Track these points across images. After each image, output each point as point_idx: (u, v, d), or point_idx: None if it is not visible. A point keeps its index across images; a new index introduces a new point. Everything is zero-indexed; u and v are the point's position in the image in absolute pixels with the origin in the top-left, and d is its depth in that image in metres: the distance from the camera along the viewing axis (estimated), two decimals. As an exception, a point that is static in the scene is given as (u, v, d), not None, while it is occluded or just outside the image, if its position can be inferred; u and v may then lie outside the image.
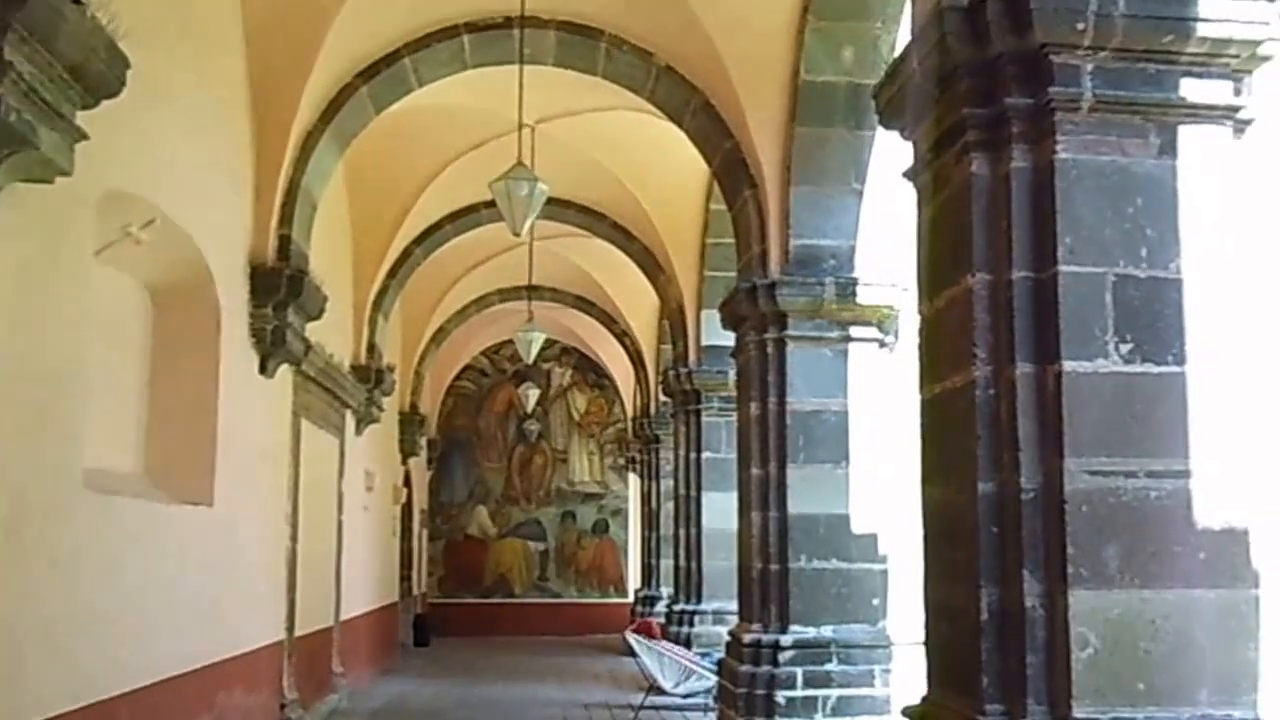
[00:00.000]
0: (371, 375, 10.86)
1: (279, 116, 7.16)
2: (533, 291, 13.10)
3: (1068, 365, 3.59)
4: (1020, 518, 3.59)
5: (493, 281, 14.07)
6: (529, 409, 17.97)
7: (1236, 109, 3.73)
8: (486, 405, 19.02)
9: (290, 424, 8.25)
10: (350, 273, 10.57)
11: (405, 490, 14.99)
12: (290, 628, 8.04)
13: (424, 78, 7.98)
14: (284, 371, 7.74)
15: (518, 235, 7.91)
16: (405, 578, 15.42)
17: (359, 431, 11.04)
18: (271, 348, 7.21)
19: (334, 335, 9.59)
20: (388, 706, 10.37)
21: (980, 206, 3.77)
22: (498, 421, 19.00)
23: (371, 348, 10.91)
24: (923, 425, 4.18)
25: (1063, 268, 3.61)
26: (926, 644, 4.14)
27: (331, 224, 9.27)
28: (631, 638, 9.92)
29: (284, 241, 7.28)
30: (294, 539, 8.17)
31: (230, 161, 6.82)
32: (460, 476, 18.89)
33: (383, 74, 7.81)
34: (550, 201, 11.07)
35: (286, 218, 7.33)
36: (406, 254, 11.11)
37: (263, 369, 7.27)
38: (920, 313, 4.25)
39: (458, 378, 18.92)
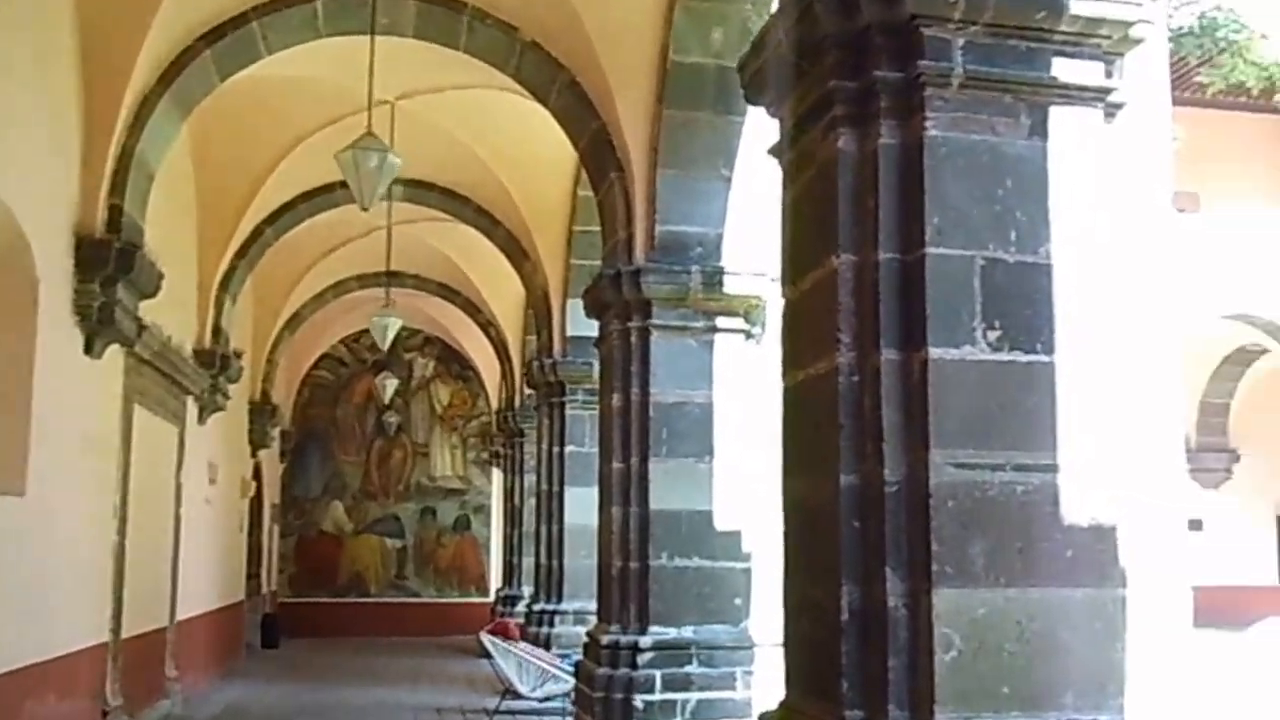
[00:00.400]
0: (216, 360, 10.28)
1: (111, 77, 6.64)
2: (393, 278, 12.60)
3: (934, 352, 3.43)
4: (883, 512, 3.44)
5: (352, 266, 13.51)
6: (387, 400, 17.36)
7: (1108, 91, 3.64)
8: (345, 396, 18.35)
9: (120, 410, 7.68)
10: (194, 251, 9.97)
11: (254, 484, 14.34)
12: (116, 629, 7.48)
13: (274, 44, 7.51)
14: (114, 353, 7.19)
15: (366, 210, 7.51)
16: (253, 576, 14.75)
17: (202, 420, 10.45)
18: (99, 326, 6.67)
19: (175, 316, 9.02)
20: (225, 713, 9.82)
21: (846, 184, 3.60)
22: (356, 413, 18.34)
23: (217, 331, 10.33)
24: (784, 415, 4.00)
25: (930, 250, 3.45)
26: (786, 646, 3.96)
27: (173, 197, 8.71)
28: (486, 639, 9.58)
29: (114, 212, 6.74)
30: (122, 533, 7.61)
31: (53, 122, 6.27)
32: (315, 470, 18.18)
33: (228, 38, 7.32)
34: (412, 184, 10.71)
35: (118, 187, 6.79)
36: (257, 233, 10.55)
37: (88, 349, 6.73)
38: (783, 296, 4.07)
39: (314, 367, 18.18)
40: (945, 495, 3.40)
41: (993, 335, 3.49)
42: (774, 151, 4.13)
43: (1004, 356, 3.49)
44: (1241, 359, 22.50)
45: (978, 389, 3.47)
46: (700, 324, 6.75)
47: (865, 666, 3.45)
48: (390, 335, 11.66)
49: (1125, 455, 3.73)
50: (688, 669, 6.48)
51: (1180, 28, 13.49)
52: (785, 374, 3.99)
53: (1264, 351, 21.28)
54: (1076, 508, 3.49)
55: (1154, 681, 4.09)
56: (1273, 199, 20.96)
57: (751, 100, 4.35)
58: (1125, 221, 4.09)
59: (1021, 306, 3.53)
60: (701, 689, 6.45)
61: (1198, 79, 15.85)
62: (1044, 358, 3.52)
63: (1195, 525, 22.26)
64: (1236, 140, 22.06)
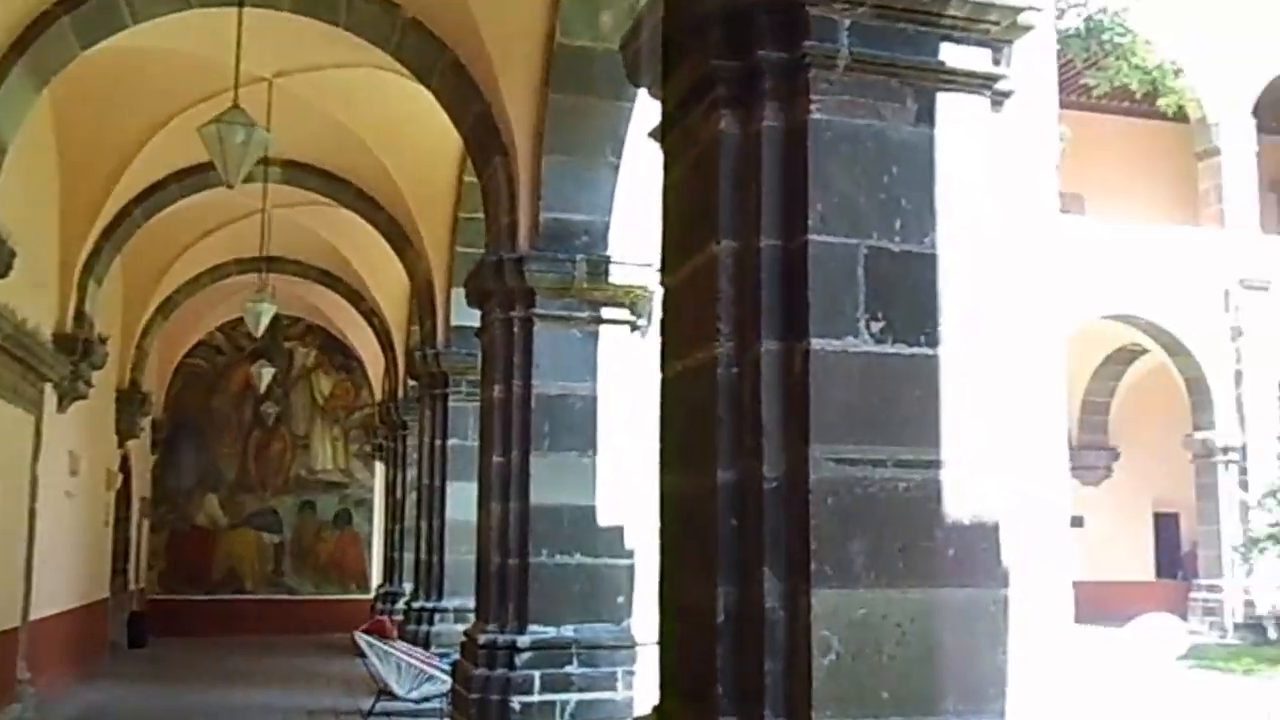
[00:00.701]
0: (79, 346, 9.75)
1: (-45, 41, 6.18)
2: (272, 263, 12.14)
3: (816, 343, 3.30)
4: (761, 510, 3.30)
5: (230, 250, 12.97)
6: (263, 389, 16.75)
7: (995, 78, 3.55)
8: (221, 385, 17.67)
9: (-36, 397, 7.20)
10: (56, 230, 9.43)
11: (121, 476, 13.70)
12: (-41, 630, 7.01)
13: (139, 13, 7.10)
14: (-44, 337, 6.71)
15: (231, 187, 7.17)
16: (120, 572, 14.11)
17: (62, 408, 9.90)
18: (-63, 307, 6.21)
19: (32, 299, 8.51)
20: (81, 717, 9.31)
21: (728, 168, 3.45)
22: (233, 403, 17.68)
23: (80, 315, 9.79)
24: (663, 407, 3.84)
25: (813, 237, 3.32)
26: (660, 647, 3.81)
27: (31, 172, 8.21)
28: (361, 638, 9.26)
29: (-43, 185, 6.29)
30: (-35, 528, 7.12)
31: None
32: (189, 462, 17.48)
33: (89, 3, 6.90)
34: (290, 166, 10.30)
35: (-36, 158, 6.34)
36: (125, 213, 10.03)
37: (-75, 331, 6.27)
38: (662, 284, 3.91)
39: (189, 354, 17.48)
40: (825, 492, 3.27)
41: (876, 326, 3.38)
42: (655, 134, 3.97)
43: (887, 349, 3.38)
44: (1122, 359, 23.19)
45: (860, 382, 3.35)
46: (585, 314, 6.56)
47: (741, 670, 3.32)
48: (264, 321, 11.22)
49: (1009, 452, 3.66)
50: (568, 669, 6.29)
51: (1067, 30, 13.75)
52: (664, 365, 3.84)
53: (1144, 351, 21.94)
54: (959, 505, 3.40)
55: (1036, 682, 4.03)
56: (1154, 202, 21.63)
57: (633, 80, 4.19)
58: (1012, 213, 4.02)
59: (906, 297, 3.42)
60: (582, 689, 6.26)
61: (1084, 81, 16.22)
62: (928, 350, 3.42)
63: (1077, 522, 22.87)
64: (1120, 144, 22.70)
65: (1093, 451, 23.20)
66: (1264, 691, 13.47)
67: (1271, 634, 19.21)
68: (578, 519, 6.43)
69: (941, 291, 3.44)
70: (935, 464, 3.37)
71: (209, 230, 12.13)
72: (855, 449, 3.30)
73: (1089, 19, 13.69)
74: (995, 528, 3.42)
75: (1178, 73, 13.18)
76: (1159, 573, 24.01)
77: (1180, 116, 20.32)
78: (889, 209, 3.41)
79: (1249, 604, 19.58)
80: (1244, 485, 19.47)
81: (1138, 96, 17.99)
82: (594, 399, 6.53)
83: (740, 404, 3.37)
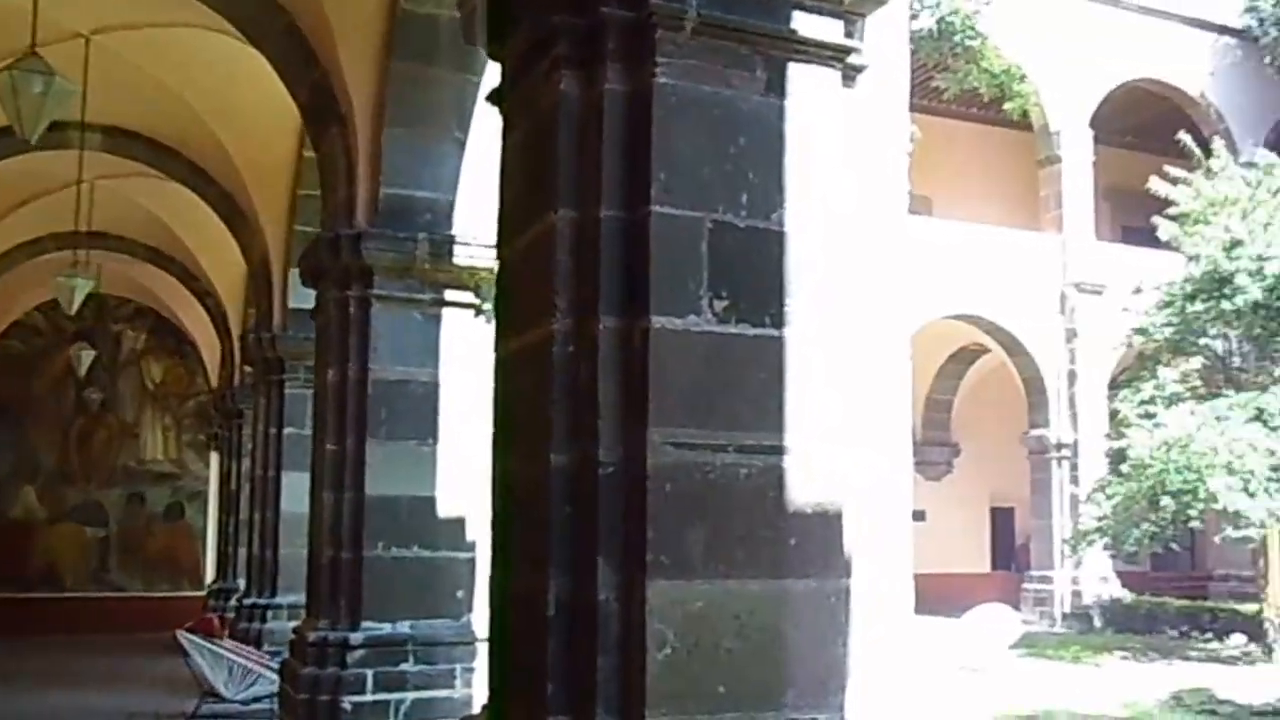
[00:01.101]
0: None
1: None
2: (95, 239, 11.38)
3: (656, 321, 3.13)
4: (596, 496, 3.11)
5: (47, 224, 12.09)
6: (83, 373, 15.74)
7: (847, 50, 3.43)
8: (40, 369, 16.55)
9: None
10: None
11: (-74, 466, 12.72)
12: None
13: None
14: None
15: (30, 142, 6.60)
16: (-78, 569, 13.10)
17: None
18: None
19: None
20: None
21: (568, 133, 3.26)
22: (53, 389, 16.60)
23: (-127, 292, 8.98)
24: (497, 388, 3.63)
25: (655, 208, 3.14)
26: (491, 642, 3.59)
27: None
28: (184, 637, 8.75)
29: None
30: None
31: None
32: (3, 450, 16.36)
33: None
34: (113, 132, 9.65)
35: None
36: (-78, 180, 9.24)
37: None
38: (499, 257, 3.69)
39: (4, 336, 16.34)
40: (663, 478, 3.11)
41: (720, 305, 3.22)
42: (493, 98, 3.75)
43: (731, 329, 3.23)
44: (965, 358, 23.89)
45: (702, 363, 3.19)
46: (427, 296, 6.26)
47: (573, 666, 3.13)
48: (78, 298, 10.48)
49: (854, 440, 3.56)
50: (403, 667, 5.99)
51: (920, 30, 13.99)
52: (498, 343, 3.62)
53: (985, 351, 22.64)
54: (802, 493, 3.27)
55: (876, 673, 3.96)
56: (998, 206, 22.31)
57: (469, 39, 3.96)
58: (864, 194, 3.92)
59: (751, 275, 3.28)
60: (418, 688, 5.98)
61: (934, 83, 16.56)
62: (773, 331, 3.28)
63: (919, 516, 23.47)
64: (968, 149, 23.37)
65: (935, 448, 23.84)
66: (1087, 677, 14.01)
67: (1097, 622, 20.04)
68: (416, 510, 6.13)
69: (789, 271, 3.31)
70: (779, 450, 3.24)
71: (22, 201, 11.28)
72: (696, 433, 3.15)
73: (941, 20, 13.96)
74: (838, 517, 3.31)
75: (1023, 79, 13.55)
76: (995, 565, 24.86)
77: (1024, 124, 21.02)
78: (735, 182, 3.27)
79: (1077, 594, 20.40)
80: (1075, 481, 20.26)
81: (985, 101, 18.50)
82: (435, 385, 6.25)
83: (576, 384, 3.18)
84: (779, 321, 3.28)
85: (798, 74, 3.35)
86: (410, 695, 5.95)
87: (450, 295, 6.31)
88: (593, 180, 3.18)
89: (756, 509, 3.20)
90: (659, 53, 3.15)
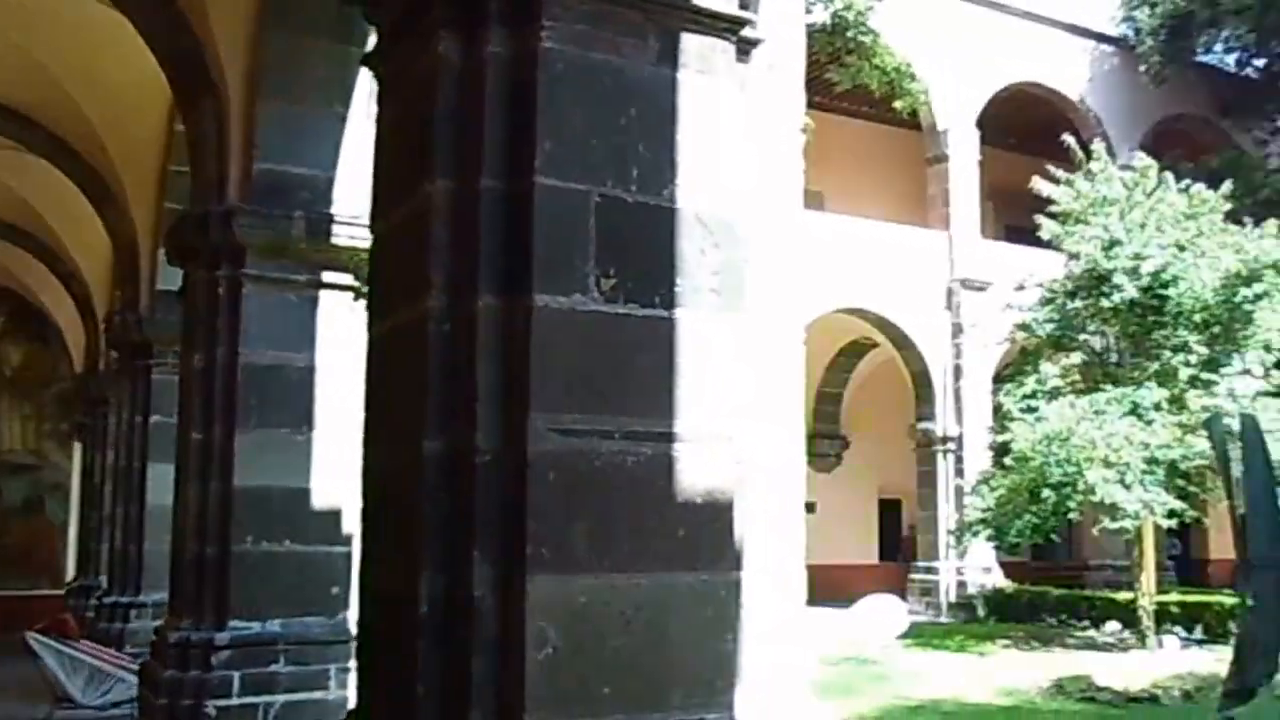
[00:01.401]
0: None
1: None
2: (-56, 215, 10.71)
3: (540, 300, 2.95)
4: (474, 486, 2.92)
5: (-109, 196, 11.36)
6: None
7: (742, 23, 3.29)
8: (-119, 353, 15.67)
9: None
10: None
11: None
12: None
13: None
14: None
15: None
16: None
17: None
18: None
19: None
20: None
21: (447, 98, 3.06)
22: (-103, 374, 15.71)
23: None
24: (369, 371, 3.40)
25: (540, 180, 2.96)
26: (360, 642, 3.37)
27: None
28: (33, 639, 8.24)
29: None
30: None
31: None
32: None
33: None
34: (-33, 101, 9.06)
35: None
36: None
37: None
38: (374, 232, 3.46)
39: None
40: (546, 466, 2.93)
41: (607, 284, 3.06)
42: (369, 61, 3.51)
43: (619, 309, 3.06)
44: (855, 352, 24.17)
45: (588, 345, 3.03)
46: (303, 277, 5.95)
47: (447, 667, 2.94)
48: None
49: (746, 428, 3.43)
50: (273, 668, 5.68)
51: (814, 24, 14.03)
52: (371, 323, 3.40)
53: (875, 345, 22.93)
54: (692, 483, 3.12)
55: (769, 668, 3.83)
56: (888, 202, 22.61)
57: (346, 0, 3.69)
58: (759, 173, 3.78)
59: (641, 254, 3.12)
60: (289, 690, 5.68)
61: (827, 76, 16.65)
62: (663, 313, 3.13)
63: (809, 508, 23.68)
64: (860, 146, 23.64)
65: (825, 440, 24.09)
66: (972, 666, 14.25)
67: (981, 612, 20.45)
68: (289, 502, 5.82)
69: (681, 250, 3.16)
70: (668, 438, 3.09)
71: None
72: (581, 419, 2.97)
73: (835, 14, 14.02)
74: (729, 507, 3.17)
75: (912, 77, 13.73)
76: (883, 556, 25.24)
77: (914, 123, 21.31)
78: (626, 155, 3.10)
79: (961, 584, 20.81)
80: (960, 473, 20.64)
81: (877, 98, 18.69)
82: (311, 370, 5.93)
83: (453, 366, 2.98)
84: (670, 302, 3.13)
85: (691, 44, 3.20)
86: (280, 698, 5.64)
87: (328, 277, 6.01)
88: (473, 149, 2.98)
89: (644, 499, 3.05)
90: (545, 15, 2.97)
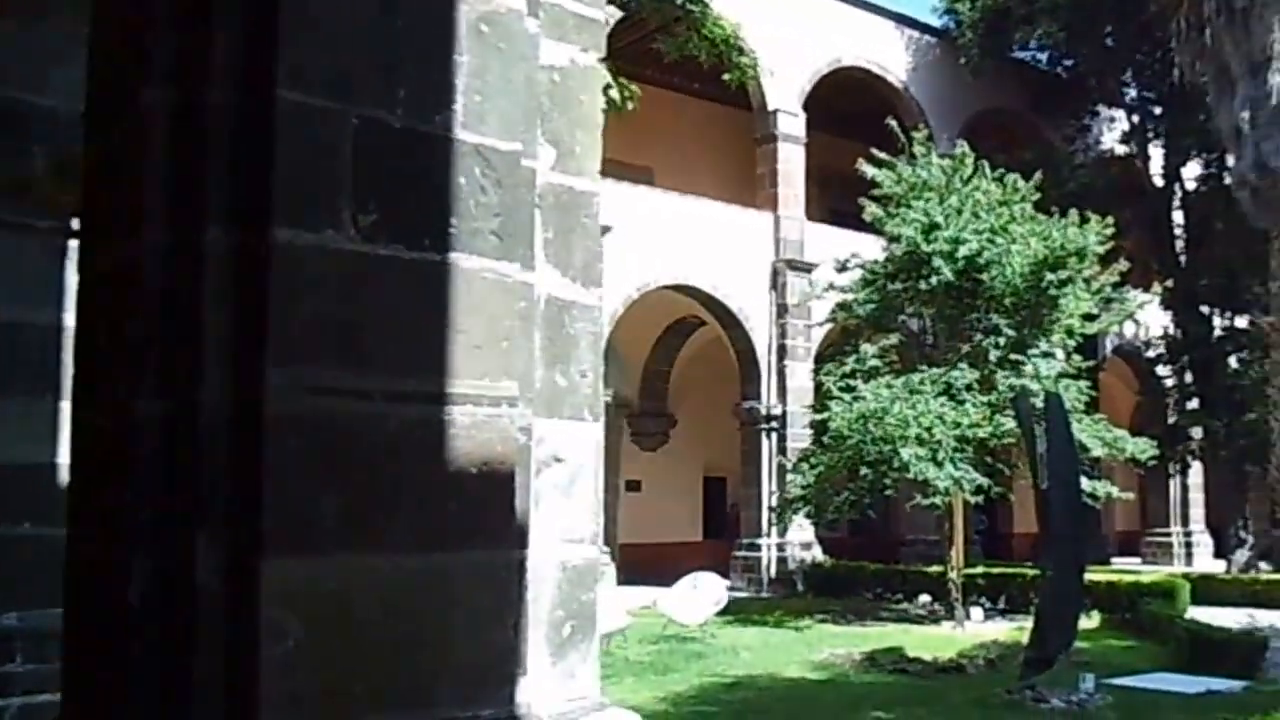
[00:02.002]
0: None
1: None
2: None
3: (282, 235, 2.49)
4: (199, 453, 2.46)
5: None
6: None
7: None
8: None
9: None
10: None
11: None
12: None
13: None
14: None
15: None
16: None
17: None
18: None
19: None
20: None
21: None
22: None
23: None
24: (79, 320, 2.87)
25: (284, 93, 2.51)
26: (65, 638, 2.85)
27: None
28: None
29: None
30: None
31: None
32: None
33: None
34: None
35: None
36: None
37: None
38: (85, 155, 2.92)
39: None
40: (289, 430, 2.48)
41: (366, 220, 2.62)
42: (89, -49, 2.96)
43: (381, 250, 2.63)
44: (682, 329, 24.19)
45: (343, 290, 2.59)
46: (46, 224, 5.27)
47: (164, 667, 2.47)
48: None
49: (533, 389, 3.07)
50: (8, 667, 5.04)
51: (644, -9, 13.77)
52: (82, 264, 2.86)
53: (702, 323, 22.96)
54: (467, 450, 2.73)
55: (565, 653, 3.48)
56: (718, 181, 22.62)
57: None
58: (554, 110, 3.41)
59: (408, 187, 2.69)
60: (27, 691, 5.04)
61: (655, 46, 16.45)
62: (434, 256, 2.71)
63: (634, 486, 23.62)
64: (690, 123, 23.58)
65: (652, 418, 24.06)
66: (790, 641, 14.36)
67: (801, 587, 20.77)
68: (27, 480, 5.16)
69: (456, 186, 2.76)
70: (439, 399, 2.68)
71: None
72: (333, 376, 2.54)
73: (665, -21, 13.82)
74: (509, 478, 2.79)
75: (741, 51, 13.71)
76: (707, 533, 25.45)
77: (745, 103, 21.35)
78: (391, 71, 2.66)
79: (782, 560, 21.12)
80: (782, 451, 20.90)
81: (708, 75, 18.59)
82: (58, 330, 5.27)
83: (175, 313, 2.50)
84: (443, 245, 2.71)
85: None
86: (18, 700, 5.00)
87: (80, 223, 5.35)
88: (199, 52, 2.50)
89: (409, 468, 2.63)
90: (290, -108, 2.51)
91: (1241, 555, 24.20)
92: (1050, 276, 16.78)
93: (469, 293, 2.74)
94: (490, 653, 2.75)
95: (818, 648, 13.31)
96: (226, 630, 2.43)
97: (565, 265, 3.22)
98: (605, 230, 19.19)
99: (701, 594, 15.07)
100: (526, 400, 2.93)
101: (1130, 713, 10.48)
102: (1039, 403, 13.08)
